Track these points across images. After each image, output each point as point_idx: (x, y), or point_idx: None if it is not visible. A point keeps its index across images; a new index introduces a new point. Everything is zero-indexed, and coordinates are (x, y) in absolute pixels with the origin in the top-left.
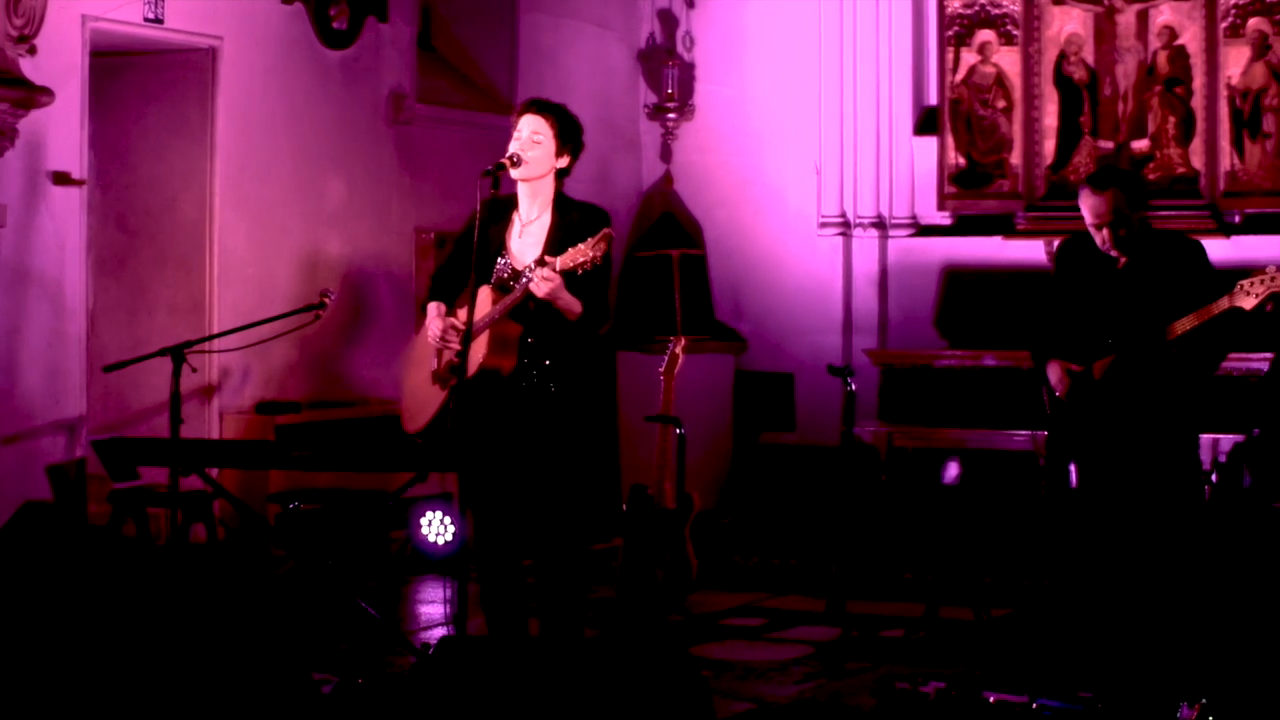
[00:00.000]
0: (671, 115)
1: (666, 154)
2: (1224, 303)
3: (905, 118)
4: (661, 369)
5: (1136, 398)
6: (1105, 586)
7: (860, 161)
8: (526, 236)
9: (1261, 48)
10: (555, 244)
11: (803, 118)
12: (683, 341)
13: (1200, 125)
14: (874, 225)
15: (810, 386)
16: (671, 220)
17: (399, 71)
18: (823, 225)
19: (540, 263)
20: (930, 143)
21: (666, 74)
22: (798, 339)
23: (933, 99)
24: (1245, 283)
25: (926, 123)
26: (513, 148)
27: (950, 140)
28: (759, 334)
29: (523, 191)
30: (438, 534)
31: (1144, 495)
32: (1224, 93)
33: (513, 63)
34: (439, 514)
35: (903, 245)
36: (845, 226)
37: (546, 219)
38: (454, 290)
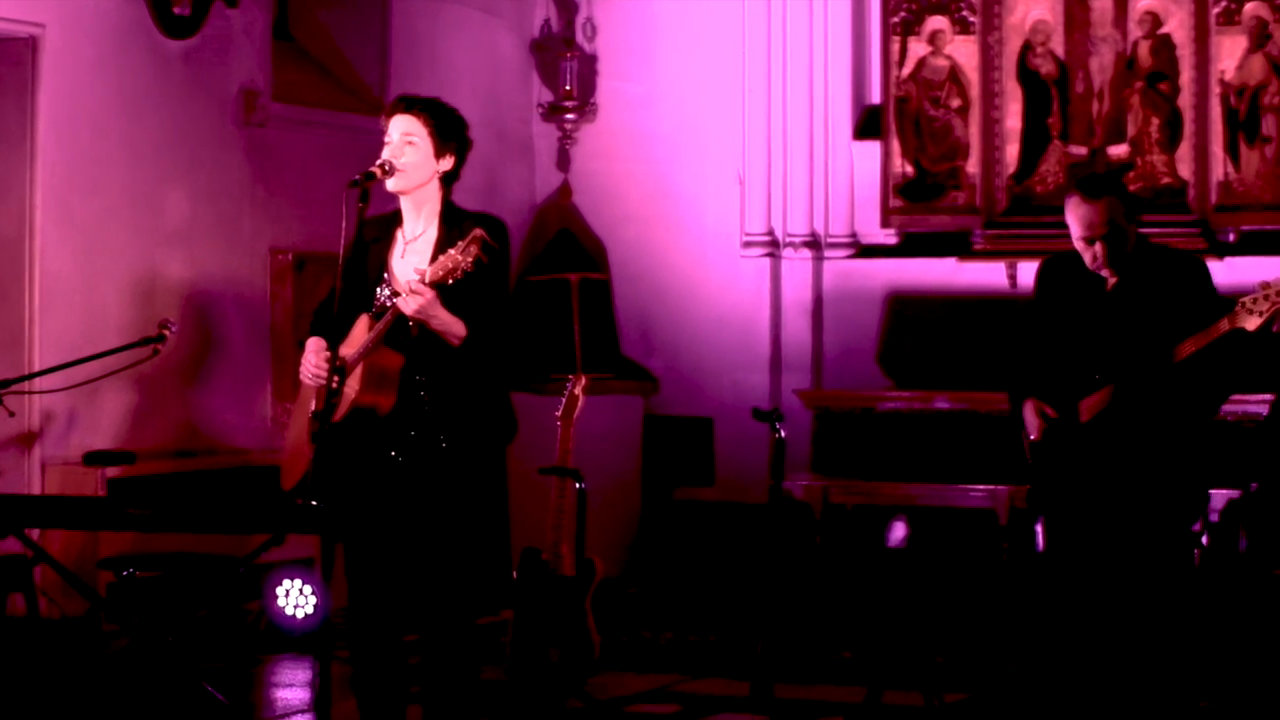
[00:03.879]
0: (570, 116)
1: (564, 161)
2: (1224, 324)
3: (843, 119)
4: (558, 413)
5: (1129, 444)
6: (1075, 669)
7: (791, 171)
8: (410, 255)
9: (1260, 37)
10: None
11: (724, 119)
12: (583, 381)
13: (1189, 128)
14: (807, 245)
15: (732, 433)
16: (570, 239)
17: (251, 65)
18: (747, 245)
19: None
20: (873, 148)
21: (564, 67)
22: (718, 378)
23: (875, 97)
24: (1248, 299)
25: (868, 125)
26: (385, 155)
27: (896, 145)
28: (672, 372)
29: (406, 206)
30: (296, 605)
31: (1126, 561)
32: (1216, 90)
33: (384, 54)
34: (298, 582)
35: (840, 268)
36: (773, 246)
37: (433, 233)
38: (340, 323)
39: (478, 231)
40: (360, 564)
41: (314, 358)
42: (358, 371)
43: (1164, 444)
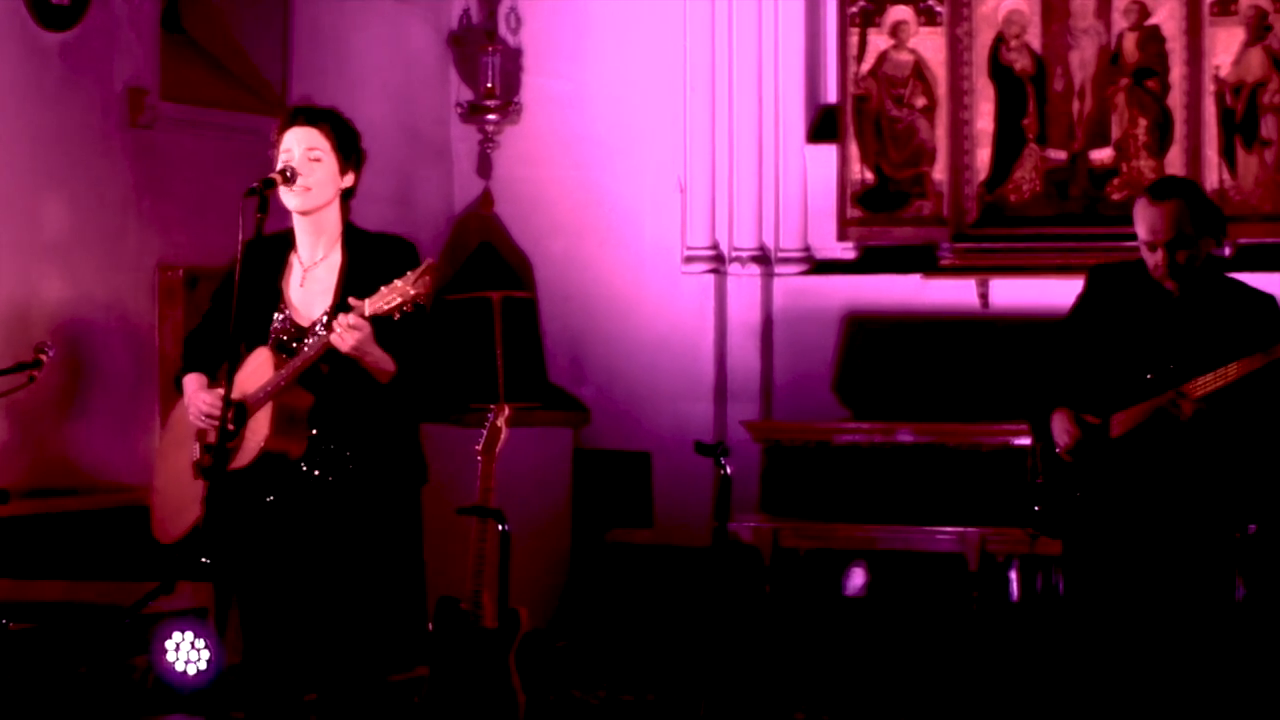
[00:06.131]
0: (492, 116)
1: (485, 167)
2: None
3: (796, 120)
4: (479, 446)
5: (1166, 463)
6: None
7: (738, 177)
8: (311, 283)
9: (1259, 29)
10: (351, 289)
11: (663, 120)
12: (506, 411)
13: (1180, 130)
14: (755, 260)
15: (672, 469)
16: (491, 253)
17: (137, 60)
18: (689, 260)
19: (335, 310)
20: (828, 152)
21: (485, 63)
22: (656, 408)
23: (832, 96)
24: None
25: (824, 127)
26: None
27: (854, 149)
28: (606, 401)
29: (301, 227)
30: (188, 660)
31: (1161, 600)
32: (1210, 87)
33: (285, 48)
34: (189, 635)
35: (792, 286)
36: (718, 262)
37: (336, 258)
38: (218, 357)
39: (432, 262)
40: (258, 615)
41: (208, 395)
42: (265, 414)
43: (1205, 469)
